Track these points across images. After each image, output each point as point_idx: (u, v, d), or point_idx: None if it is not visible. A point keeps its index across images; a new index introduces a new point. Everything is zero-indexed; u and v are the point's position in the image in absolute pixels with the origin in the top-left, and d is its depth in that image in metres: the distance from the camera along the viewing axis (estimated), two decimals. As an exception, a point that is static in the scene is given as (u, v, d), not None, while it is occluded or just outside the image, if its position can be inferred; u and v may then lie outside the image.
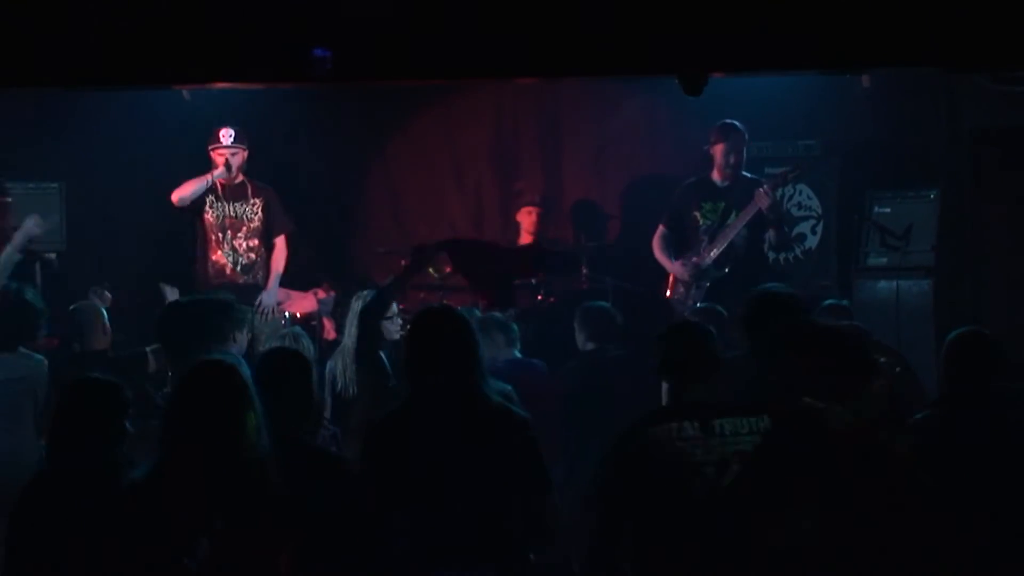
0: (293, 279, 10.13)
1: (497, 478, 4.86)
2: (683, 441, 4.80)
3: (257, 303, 9.63)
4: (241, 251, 9.92)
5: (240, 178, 9.95)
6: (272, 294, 9.85)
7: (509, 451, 4.89)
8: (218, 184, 9.82)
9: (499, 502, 4.86)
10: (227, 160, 9.76)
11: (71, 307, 8.19)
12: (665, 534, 4.78)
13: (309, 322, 9.62)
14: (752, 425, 4.83)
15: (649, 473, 4.81)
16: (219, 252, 9.92)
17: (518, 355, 7.96)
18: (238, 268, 9.92)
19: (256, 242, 9.95)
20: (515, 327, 8.10)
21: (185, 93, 10.14)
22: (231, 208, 9.89)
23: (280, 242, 10.04)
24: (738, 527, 4.44)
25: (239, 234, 9.92)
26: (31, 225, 9.10)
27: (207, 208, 9.87)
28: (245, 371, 4.66)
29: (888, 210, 9.88)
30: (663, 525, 4.79)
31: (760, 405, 4.85)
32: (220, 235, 9.90)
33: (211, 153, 9.86)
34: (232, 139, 9.81)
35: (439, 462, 4.85)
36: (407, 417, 5.00)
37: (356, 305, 7.54)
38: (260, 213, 9.95)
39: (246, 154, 9.91)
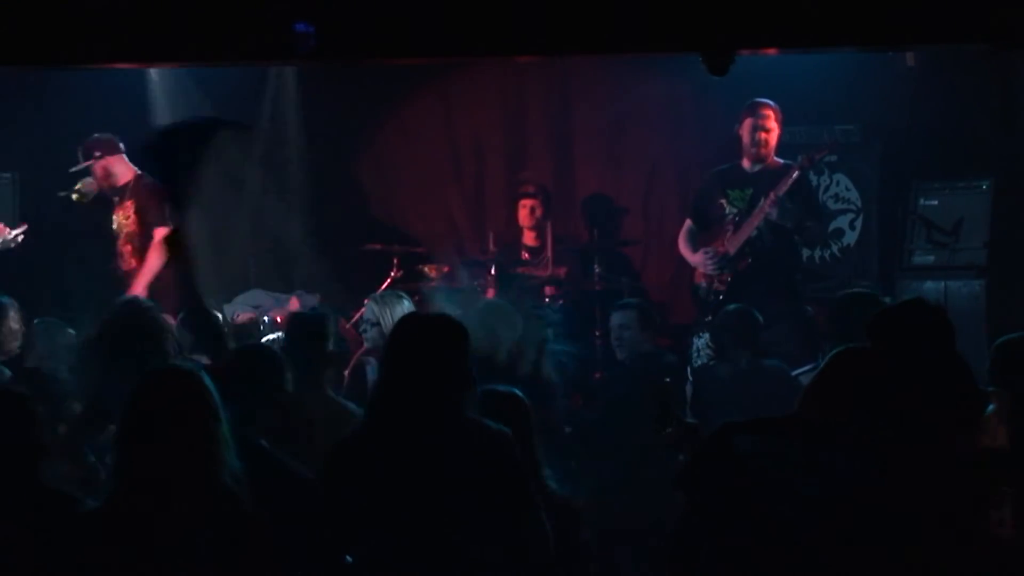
0: (272, 282, 10.04)
1: (468, 500, 4.85)
2: (785, 464, 4.77)
3: None
4: (118, 260, 9.76)
5: (119, 181, 9.75)
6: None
7: (483, 469, 4.87)
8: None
9: (471, 525, 4.85)
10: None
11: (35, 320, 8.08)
12: (743, 553, 4.79)
13: (291, 329, 9.55)
14: (857, 462, 4.76)
15: (736, 486, 4.81)
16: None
17: None
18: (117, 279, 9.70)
19: (129, 248, 9.73)
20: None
21: (154, 73, 10.20)
22: (112, 217, 9.80)
23: (156, 237, 9.58)
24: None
25: (117, 243, 9.79)
26: None
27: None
28: (207, 379, 4.54)
29: (935, 203, 9.85)
30: (742, 544, 4.80)
31: (866, 440, 4.79)
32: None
33: None
34: (82, 156, 9.72)
35: (403, 487, 4.84)
36: (369, 437, 5.00)
37: (373, 307, 7.71)
38: (133, 216, 9.70)
39: (109, 160, 9.70)
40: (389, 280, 10.13)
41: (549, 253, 10.38)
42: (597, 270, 10.23)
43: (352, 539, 4.94)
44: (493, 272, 9.99)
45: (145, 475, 4.34)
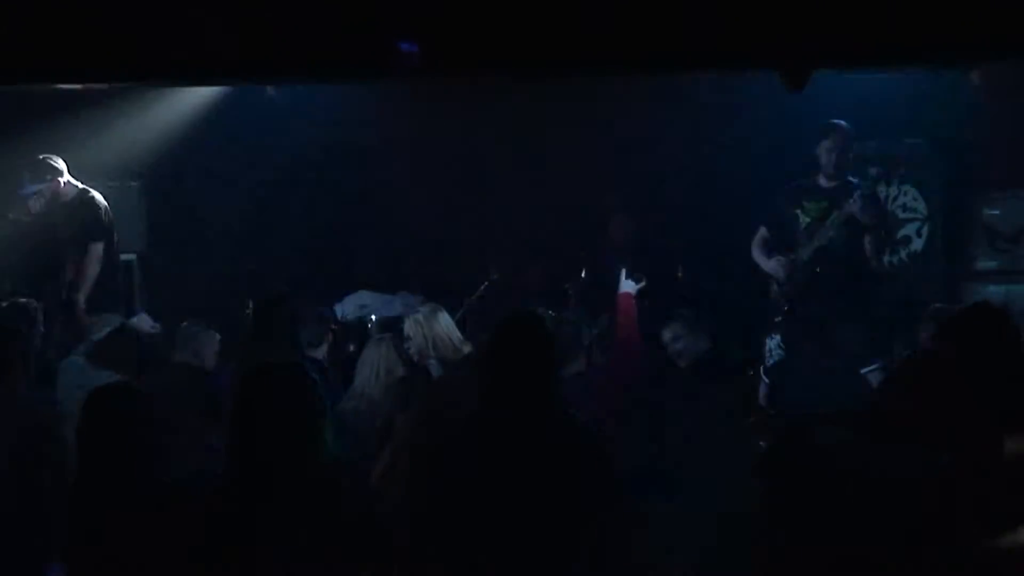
0: (382, 282, 10.32)
1: (573, 499, 4.91)
2: (864, 455, 5.00)
3: None
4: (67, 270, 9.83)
5: (67, 199, 9.78)
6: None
7: (584, 469, 4.96)
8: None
9: (573, 525, 4.91)
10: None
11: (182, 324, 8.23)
12: (820, 540, 4.76)
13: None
14: (927, 459, 4.95)
15: (815, 475, 4.70)
16: None
17: None
18: None
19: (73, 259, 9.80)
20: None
21: (270, 89, 10.36)
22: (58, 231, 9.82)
23: (93, 250, 9.75)
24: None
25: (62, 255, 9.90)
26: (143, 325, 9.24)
27: None
28: (313, 374, 4.68)
29: (998, 212, 10.08)
30: (819, 532, 4.72)
31: (935, 439, 4.64)
32: None
33: None
34: (29, 179, 9.73)
35: (507, 489, 4.89)
36: (470, 439, 5.05)
37: (410, 324, 7.94)
38: (74, 231, 9.78)
39: (59, 180, 9.71)
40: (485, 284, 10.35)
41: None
42: (679, 274, 10.44)
43: (453, 532, 4.95)
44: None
45: (253, 461, 4.50)
